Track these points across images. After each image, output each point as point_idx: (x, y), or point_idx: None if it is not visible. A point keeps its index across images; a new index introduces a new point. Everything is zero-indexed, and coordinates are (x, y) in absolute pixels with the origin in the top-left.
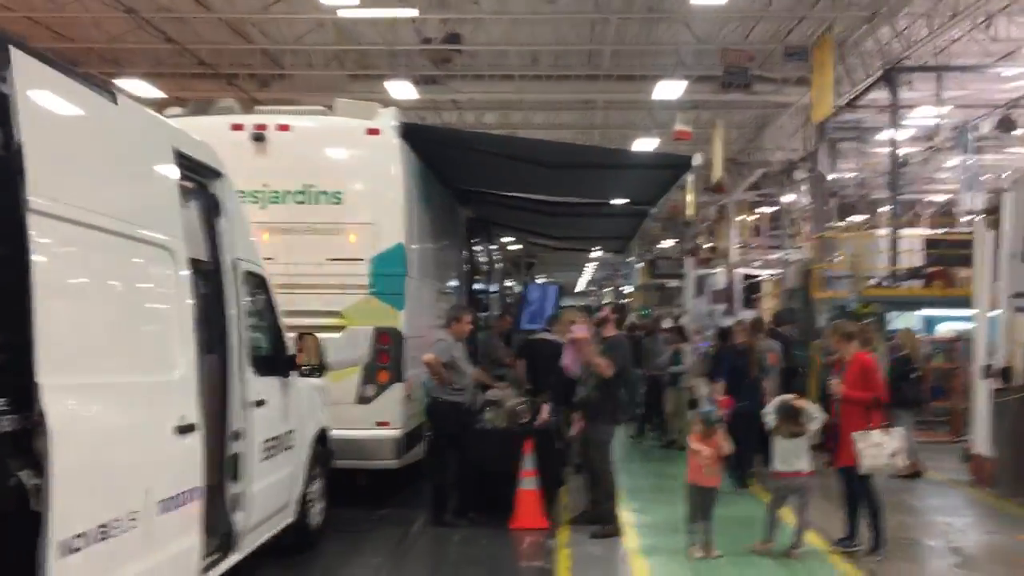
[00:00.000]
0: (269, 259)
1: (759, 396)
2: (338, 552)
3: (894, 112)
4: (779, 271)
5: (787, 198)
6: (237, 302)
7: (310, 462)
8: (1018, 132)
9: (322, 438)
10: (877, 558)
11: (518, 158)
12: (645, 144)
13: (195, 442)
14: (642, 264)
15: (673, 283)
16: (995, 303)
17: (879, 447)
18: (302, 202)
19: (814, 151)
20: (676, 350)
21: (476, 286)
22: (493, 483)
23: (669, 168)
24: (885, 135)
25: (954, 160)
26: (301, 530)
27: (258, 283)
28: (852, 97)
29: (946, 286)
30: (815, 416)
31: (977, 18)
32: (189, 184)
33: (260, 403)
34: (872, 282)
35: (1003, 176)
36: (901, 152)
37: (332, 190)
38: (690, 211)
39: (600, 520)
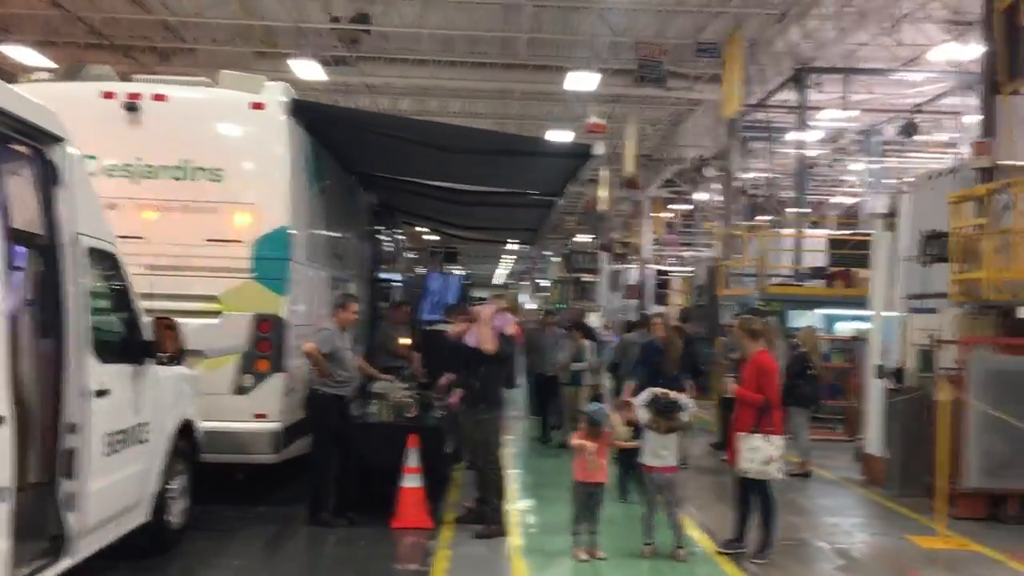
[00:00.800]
0: (140, 238)
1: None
2: (199, 553)
3: (802, 113)
4: (691, 268)
5: (700, 196)
6: (76, 281)
7: (169, 457)
8: (920, 137)
9: (187, 431)
10: (762, 560)
11: (417, 141)
12: (559, 136)
13: (1, 437)
14: (559, 258)
15: (589, 278)
16: (891, 304)
17: (755, 451)
18: (179, 178)
19: (725, 149)
20: (578, 347)
21: (383, 275)
22: (375, 480)
23: (571, 157)
24: (794, 136)
25: (859, 163)
26: (158, 530)
27: (107, 261)
28: (762, 97)
29: (846, 286)
30: (688, 407)
31: (883, 22)
32: (22, 149)
33: (102, 393)
34: (775, 281)
35: (903, 180)
36: (810, 154)
37: (212, 167)
38: (603, 206)
39: (486, 519)
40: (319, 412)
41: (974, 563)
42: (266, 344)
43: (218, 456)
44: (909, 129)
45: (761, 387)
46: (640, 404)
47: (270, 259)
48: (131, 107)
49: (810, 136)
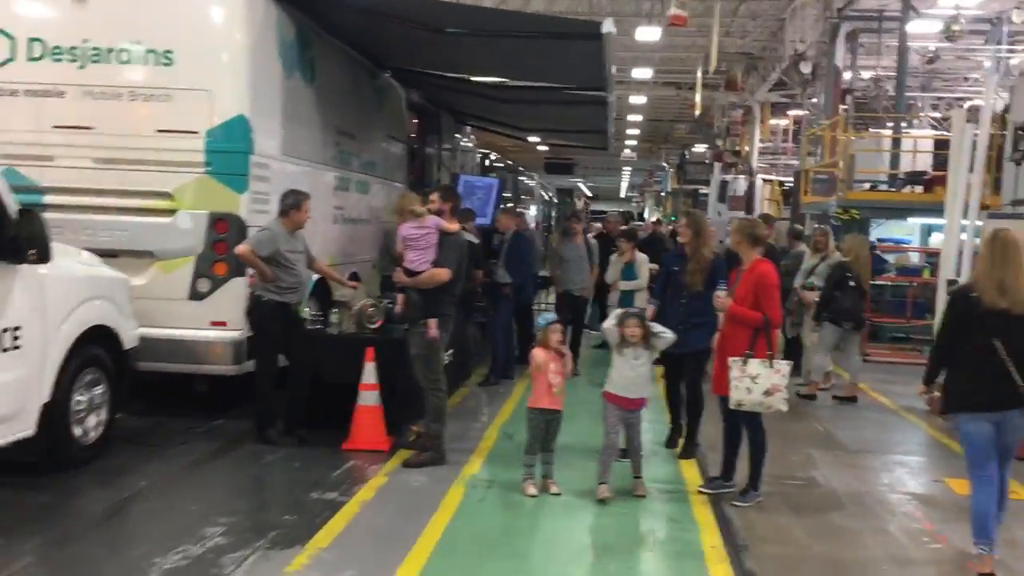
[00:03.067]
0: (89, 128)
1: None
2: (109, 471)
3: None
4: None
5: (815, 100)
6: None
7: (65, 366)
8: None
9: (105, 339)
10: (744, 503)
11: (411, 21)
12: (646, 33)
13: None
14: (672, 169)
15: (704, 189)
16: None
17: (754, 380)
18: (127, 62)
19: (829, 41)
20: (628, 261)
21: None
22: (331, 397)
23: (579, 38)
24: (911, 27)
25: (986, 56)
26: (58, 445)
27: None
28: None
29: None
30: (665, 336)
31: None
32: None
33: None
34: (866, 186)
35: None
36: (927, 46)
37: (162, 49)
38: (698, 111)
39: (427, 445)
40: (260, 320)
41: (1014, 515)
42: (223, 246)
43: (171, 366)
44: None
45: (760, 303)
46: (609, 326)
47: (226, 152)
48: None
49: (929, 26)
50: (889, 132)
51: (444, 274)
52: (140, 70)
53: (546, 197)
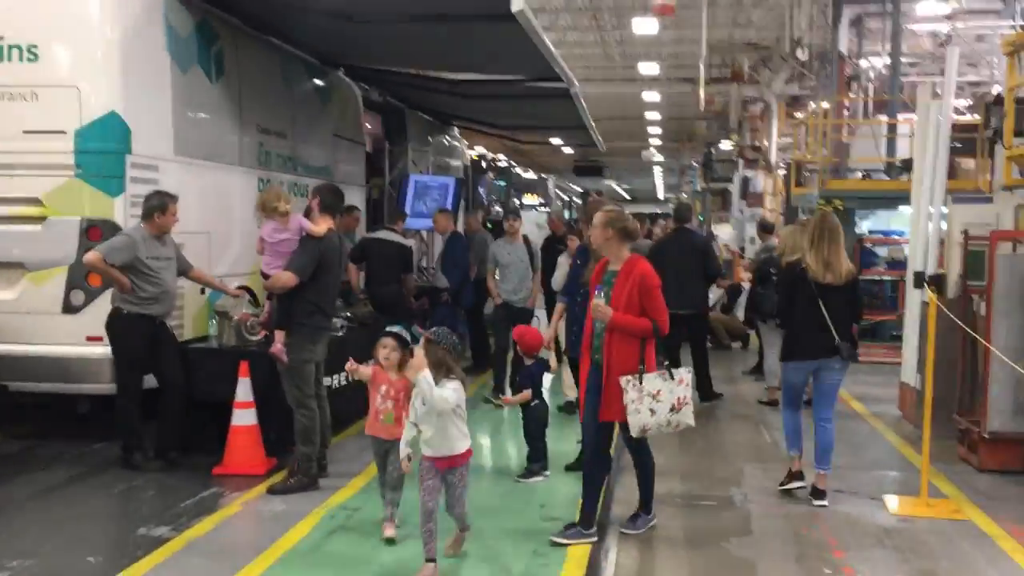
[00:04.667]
0: None
1: None
2: None
3: None
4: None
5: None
6: None
7: None
8: None
9: None
10: (636, 530)
11: (317, 10)
12: (644, 25)
13: None
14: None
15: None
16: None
17: (655, 398)
18: None
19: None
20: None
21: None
22: (206, 415)
23: (490, 19)
24: (920, 8)
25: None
26: None
27: None
28: None
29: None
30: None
31: None
32: None
33: None
34: (858, 175)
35: None
36: (945, 30)
37: (27, 43)
38: (702, 105)
39: (298, 469)
40: (118, 334)
41: (947, 538)
42: None
43: (44, 386)
44: None
45: (646, 308)
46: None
47: (97, 152)
48: None
49: (929, 7)
50: (886, 119)
51: (288, 278)
52: (4, 68)
53: (564, 199)
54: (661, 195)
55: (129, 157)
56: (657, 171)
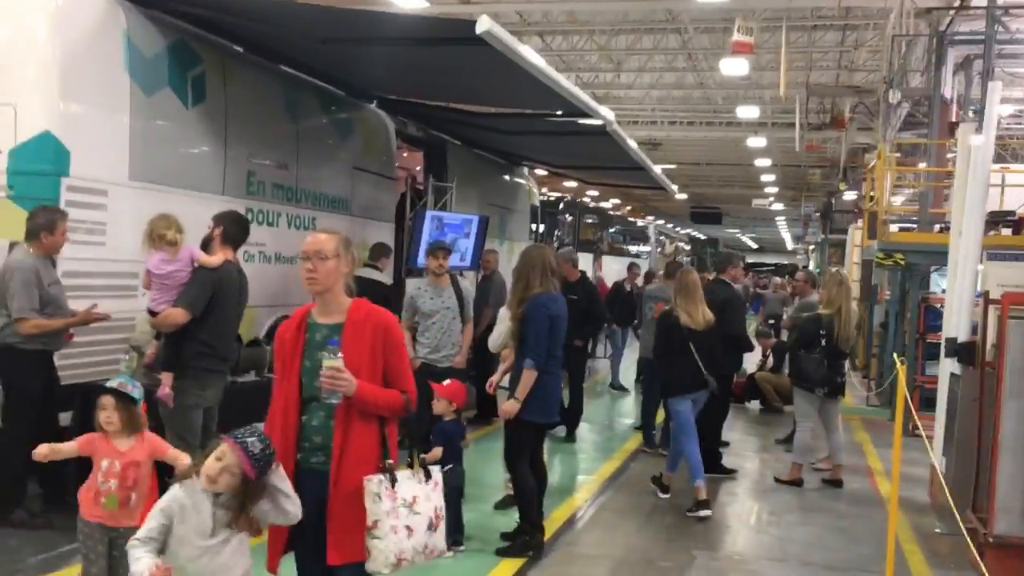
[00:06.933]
0: None
1: None
2: None
3: None
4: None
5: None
6: None
7: None
8: None
9: None
10: None
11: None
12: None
13: None
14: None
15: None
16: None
17: (412, 509)
18: None
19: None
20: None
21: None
22: None
23: (453, 41)
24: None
25: None
26: None
27: None
28: None
29: None
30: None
31: None
32: None
33: None
34: (936, 228)
35: None
36: None
37: None
38: (798, 147)
39: None
40: (16, 376)
41: None
42: None
43: None
44: None
45: (389, 372)
46: None
47: (28, 173)
48: None
49: None
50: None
51: (178, 315)
52: None
53: (664, 243)
54: (789, 246)
55: (65, 180)
56: (780, 221)
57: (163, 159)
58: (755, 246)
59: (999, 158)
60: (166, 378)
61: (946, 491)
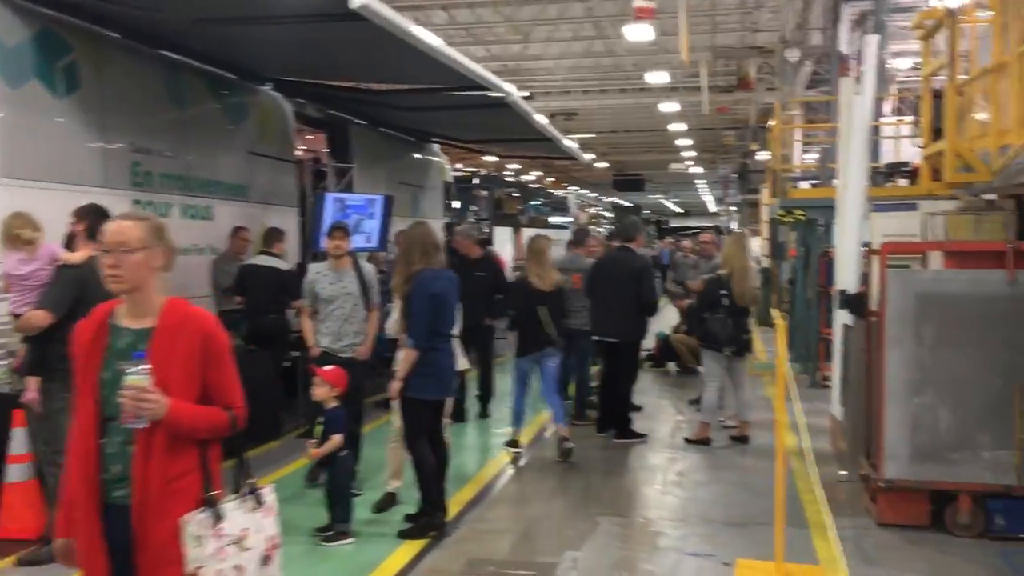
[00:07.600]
0: None
1: None
2: None
3: None
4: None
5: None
6: None
7: None
8: None
9: None
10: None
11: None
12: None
13: None
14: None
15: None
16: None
17: (242, 546)
18: None
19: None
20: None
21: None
22: None
23: (331, 18)
24: None
25: None
26: None
27: None
28: None
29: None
30: None
31: None
32: None
33: None
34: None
35: None
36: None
37: None
38: (704, 109)
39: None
40: None
41: None
42: None
43: None
44: None
45: (213, 389)
46: None
47: None
48: None
49: None
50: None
51: (41, 317)
52: None
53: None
54: (712, 208)
55: None
56: (701, 184)
57: (35, 154)
58: (680, 210)
59: (898, 112)
60: (32, 383)
61: (844, 440)
